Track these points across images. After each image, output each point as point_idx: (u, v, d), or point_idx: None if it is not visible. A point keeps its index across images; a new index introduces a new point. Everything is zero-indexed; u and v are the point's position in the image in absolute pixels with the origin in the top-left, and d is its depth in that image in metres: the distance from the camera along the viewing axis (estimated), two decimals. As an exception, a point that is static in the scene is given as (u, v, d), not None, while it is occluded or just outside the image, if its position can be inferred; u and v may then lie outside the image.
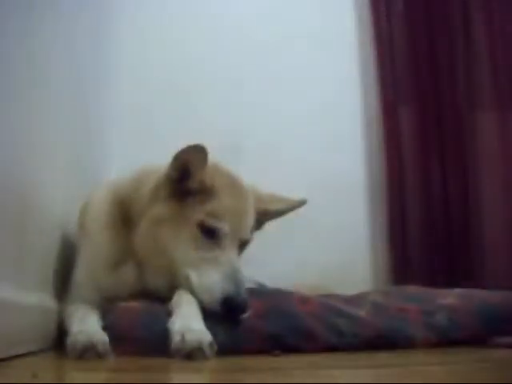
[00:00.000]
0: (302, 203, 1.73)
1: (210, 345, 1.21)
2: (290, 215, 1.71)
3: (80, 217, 1.64)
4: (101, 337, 1.23)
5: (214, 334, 1.28)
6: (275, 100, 2.88)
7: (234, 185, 1.53)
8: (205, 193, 1.46)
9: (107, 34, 2.57)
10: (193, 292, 1.39)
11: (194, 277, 1.40)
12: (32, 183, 1.40)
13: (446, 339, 1.52)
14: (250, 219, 1.56)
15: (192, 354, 1.18)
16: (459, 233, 2.83)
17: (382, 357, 1.32)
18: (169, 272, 1.46)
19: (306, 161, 2.79)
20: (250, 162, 2.56)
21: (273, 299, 1.47)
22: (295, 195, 1.73)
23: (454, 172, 2.89)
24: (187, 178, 1.45)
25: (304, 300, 1.50)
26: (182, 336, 1.22)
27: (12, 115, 1.24)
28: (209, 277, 1.38)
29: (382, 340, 1.46)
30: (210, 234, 1.43)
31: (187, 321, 1.29)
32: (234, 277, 1.38)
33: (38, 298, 1.39)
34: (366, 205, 2.95)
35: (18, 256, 1.29)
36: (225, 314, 1.34)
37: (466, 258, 2.80)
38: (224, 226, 1.44)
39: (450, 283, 2.31)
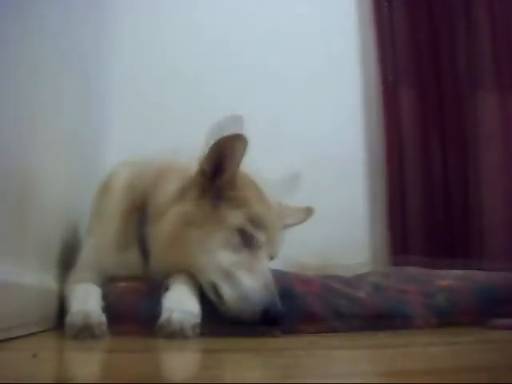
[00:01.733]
0: (310, 213, 1.74)
1: (193, 327, 1.24)
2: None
3: (97, 198, 1.64)
4: (98, 317, 1.23)
5: (212, 316, 1.30)
6: (276, 79, 2.86)
7: (264, 196, 1.51)
8: (238, 198, 1.42)
9: (109, 11, 2.55)
10: (221, 301, 1.33)
11: (226, 286, 1.33)
12: (33, 165, 1.39)
13: (446, 320, 1.52)
14: (281, 233, 1.55)
15: (174, 334, 1.20)
16: (459, 212, 2.83)
17: (382, 338, 1.32)
18: (183, 269, 1.42)
19: (306, 139, 2.77)
20: (250, 141, 2.56)
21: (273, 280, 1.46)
22: (295, 173, 1.74)
23: (454, 151, 2.89)
24: (220, 173, 1.42)
25: (304, 281, 1.50)
26: (170, 315, 1.24)
27: (11, 97, 1.23)
28: (244, 285, 1.32)
29: (381, 321, 1.46)
30: (248, 241, 1.39)
31: (179, 299, 1.31)
32: (271, 287, 1.33)
33: (39, 279, 1.39)
34: (365, 183, 2.94)
35: (19, 237, 1.29)
36: (261, 324, 1.29)
37: (465, 237, 2.80)
38: (263, 236, 1.41)
39: (449, 263, 2.31)
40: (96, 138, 2.34)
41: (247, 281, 1.33)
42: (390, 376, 0.78)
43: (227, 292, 1.33)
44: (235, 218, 1.40)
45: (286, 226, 1.64)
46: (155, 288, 1.40)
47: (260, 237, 1.41)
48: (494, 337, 1.34)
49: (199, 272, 1.40)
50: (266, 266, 1.41)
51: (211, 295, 1.36)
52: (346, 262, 1.83)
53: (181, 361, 0.97)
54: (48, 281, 1.46)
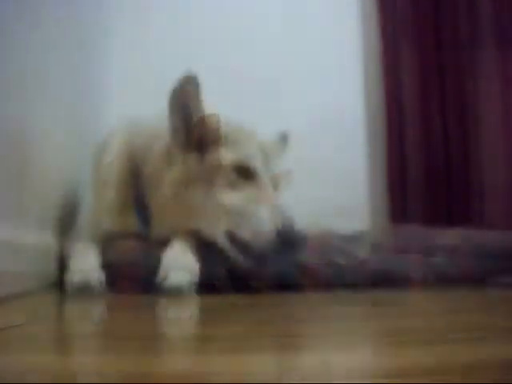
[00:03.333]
0: (285, 138, 1.75)
1: (190, 284, 1.27)
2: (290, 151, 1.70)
3: (95, 160, 1.64)
4: (97, 275, 1.24)
5: (213, 273, 1.31)
6: (274, 36, 2.83)
7: (245, 131, 1.50)
8: (221, 141, 1.42)
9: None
10: (241, 240, 1.33)
11: (239, 224, 1.34)
12: (32, 128, 1.39)
13: (445, 279, 1.52)
14: (275, 160, 1.54)
15: (171, 292, 1.23)
16: (459, 176, 2.82)
17: (381, 295, 1.33)
18: (193, 229, 1.42)
19: (305, 101, 2.76)
20: (249, 99, 2.54)
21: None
22: (283, 134, 1.74)
23: (454, 110, 2.87)
24: (190, 123, 1.42)
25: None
26: (167, 272, 1.27)
27: (9, 61, 1.22)
28: (257, 216, 1.32)
29: (380, 279, 1.47)
30: (247, 174, 1.39)
31: (177, 257, 1.32)
32: (282, 210, 1.33)
33: (38, 237, 1.39)
34: (365, 142, 2.93)
35: (19, 198, 1.29)
36: (280, 250, 1.29)
37: (465, 199, 2.79)
38: (259, 163, 1.42)
39: (449, 224, 2.31)
40: (96, 100, 2.34)
41: (259, 212, 1.33)
42: (386, 333, 0.79)
43: (242, 228, 1.33)
44: (226, 157, 1.40)
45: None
46: (154, 246, 1.40)
47: (257, 165, 1.41)
48: (493, 296, 1.34)
49: (208, 226, 1.40)
50: (273, 193, 1.41)
51: (227, 246, 1.36)
52: (344, 229, 1.83)
53: (178, 317, 0.98)
54: (48, 240, 1.47)
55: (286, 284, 1.40)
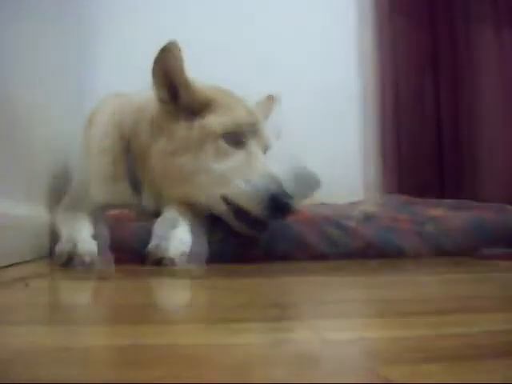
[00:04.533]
0: (273, 100, 1.75)
1: (182, 254, 1.26)
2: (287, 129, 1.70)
3: (84, 132, 1.62)
4: (88, 245, 1.23)
5: (204, 243, 1.32)
6: (271, 13, 2.80)
7: (233, 96, 1.49)
8: (208, 106, 1.41)
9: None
10: (230, 210, 1.35)
11: (232, 190, 1.34)
12: (20, 100, 1.38)
13: (436, 250, 1.53)
14: (264, 123, 1.54)
15: (162, 261, 1.23)
16: (451, 151, 2.82)
17: (372, 266, 1.34)
18: (186, 198, 1.42)
19: (299, 74, 2.74)
20: (245, 73, 2.52)
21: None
22: (270, 95, 1.75)
23: (448, 84, 2.85)
24: (176, 91, 1.41)
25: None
26: (158, 242, 1.26)
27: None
28: (247, 183, 1.32)
29: (372, 250, 1.47)
30: (236, 141, 1.39)
31: (169, 227, 1.31)
32: (273, 177, 1.33)
33: (29, 209, 1.39)
34: (358, 115, 2.92)
35: (9, 170, 1.28)
36: (274, 214, 1.30)
37: (457, 170, 2.80)
38: (248, 129, 1.41)
39: (441, 196, 2.32)
40: (85, 72, 2.32)
41: (250, 178, 1.33)
42: (378, 302, 0.79)
43: (234, 195, 1.33)
44: (214, 125, 1.39)
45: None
46: (146, 216, 1.40)
47: (246, 131, 1.40)
48: (484, 267, 1.35)
49: (201, 193, 1.40)
50: (263, 158, 1.42)
51: (222, 209, 1.37)
52: (337, 192, 1.84)
53: (168, 287, 0.98)
54: (39, 211, 1.47)
55: (280, 255, 1.40)
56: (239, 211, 1.34)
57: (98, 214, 1.45)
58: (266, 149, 1.49)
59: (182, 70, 1.38)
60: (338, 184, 2.57)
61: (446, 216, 1.63)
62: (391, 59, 2.86)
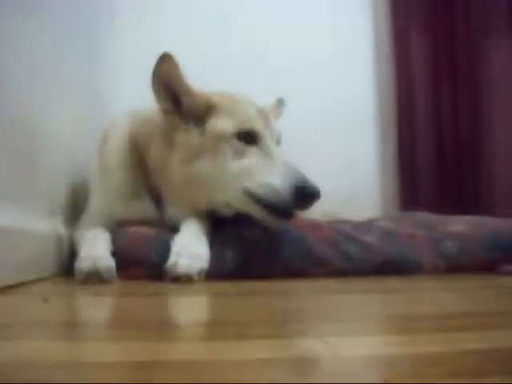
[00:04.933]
0: (282, 103, 1.77)
1: (200, 271, 1.27)
2: (301, 140, 1.69)
3: (99, 147, 1.63)
4: (106, 262, 1.24)
5: (223, 259, 1.32)
6: (285, 22, 2.81)
7: (238, 97, 1.50)
8: (215, 110, 1.42)
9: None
10: (256, 203, 1.35)
11: (254, 185, 1.35)
12: (40, 114, 1.40)
13: (454, 266, 1.52)
14: (272, 117, 1.55)
15: (180, 278, 1.23)
16: (469, 158, 2.80)
17: (390, 282, 1.33)
18: (210, 203, 1.44)
19: (316, 87, 2.74)
20: (260, 86, 2.53)
21: (285, 225, 1.45)
22: (279, 99, 1.77)
23: (466, 98, 2.83)
24: (180, 100, 1.42)
25: (315, 226, 1.49)
26: (177, 259, 1.26)
27: (15, 46, 1.23)
28: (269, 176, 1.33)
29: (390, 266, 1.47)
30: (250, 139, 1.39)
31: (187, 243, 1.32)
32: (293, 167, 1.34)
33: (48, 225, 1.40)
34: (376, 130, 2.92)
35: (27, 183, 1.29)
36: (299, 203, 1.31)
37: (475, 184, 2.77)
38: (260, 126, 1.42)
39: (460, 210, 2.30)
40: (104, 86, 2.33)
41: (268, 173, 1.34)
42: (396, 319, 0.78)
43: (258, 189, 1.34)
44: (225, 126, 1.40)
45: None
46: (165, 232, 1.41)
47: (258, 128, 1.41)
48: (504, 283, 1.34)
49: (224, 194, 1.40)
50: (279, 150, 1.42)
51: (247, 205, 1.38)
52: (356, 208, 1.83)
53: (187, 304, 0.98)
54: (58, 227, 1.47)
55: (297, 271, 1.40)
56: (263, 205, 1.35)
57: (117, 229, 1.46)
58: (278, 142, 1.49)
59: (180, 77, 1.40)
60: (355, 197, 2.57)
61: (465, 232, 1.61)
62: (408, 73, 2.86)
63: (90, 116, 2.02)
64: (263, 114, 1.47)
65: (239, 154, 1.38)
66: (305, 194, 1.30)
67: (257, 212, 1.37)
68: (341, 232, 1.52)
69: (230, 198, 1.41)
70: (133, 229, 1.43)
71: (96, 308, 0.93)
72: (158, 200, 1.50)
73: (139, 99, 1.51)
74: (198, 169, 1.40)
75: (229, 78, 1.58)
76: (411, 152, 2.83)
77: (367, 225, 1.68)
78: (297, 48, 2.77)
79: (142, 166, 1.51)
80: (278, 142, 1.50)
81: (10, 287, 1.08)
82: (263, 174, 1.35)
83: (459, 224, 1.68)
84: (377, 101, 2.93)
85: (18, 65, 1.23)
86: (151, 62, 1.38)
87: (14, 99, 1.21)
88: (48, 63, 1.46)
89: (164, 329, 0.70)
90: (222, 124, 1.40)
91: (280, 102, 1.77)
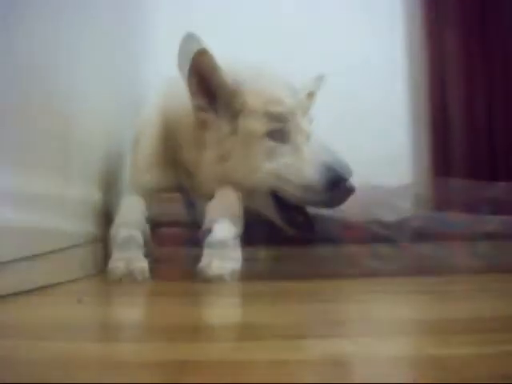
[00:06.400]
0: (322, 80, 1.74)
1: (233, 272, 1.25)
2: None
3: (132, 151, 1.64)
4: (140, 264, 1.25)
5: (256, 259, 1.33)
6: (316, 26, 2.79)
7: (266, 73, 1.48)
8: (248, 104, 1.39)
9: None
10: (284, 211, 1.36)
11: (287, 186, 1.34)
12: (77, 87, 1.39)
13: (490, 267, 1.49)
14: (304, 106, 1.52)
15: (213, 279, 1.22)
16: (503, 128, 2.75)
17: (423, 283, 1.31)
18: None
19: (348, 49, 2.71)
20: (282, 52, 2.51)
21: (319, 225, 1.44)
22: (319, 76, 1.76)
23: (499, 68, 2.78)
24: (214, 96, 1.40)
25: (348, 226, 1.49)
26: (210, 260, 1.25)
27: (52, 21, 1.23)
28: (301, 165, 1.33)
29: (423, 266, 1.45)
30: (281, 137, 1.38)
31: (220, 244, 1.30)
32: (323, 149, 1.34)
33: (84, 192, 1.42)
34: (408, 94, 2.86)
35: (63, 152, 1.31)
36: (332, 184, 1.29)
37: (508, 151, 2.71)
38: (292, 117, 1.40)
39: (492, 179, 2.23)
40: (139, 59, 2.31)
41: (299, 164, 1.33)
42: (430, 320, 0.78)
43: (290, 179, 1.33)
44: (257, 124, 1.38)
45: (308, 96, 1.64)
46: (197, 234, 1.41)
47: (291, 121, 1.39)
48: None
49: (251, 196, 1.39)
50: (311, 144, 1.39)
51: (270, 210, 1.39)
52: (387, 183, 1.80)
53: (219, 305, 0.99)
54: (94, 195, 1.51)
55: (330, 273, 1.39)
56: (290, 210, 1.36)
57: (150, 197, 1.46)
58: (311, 120, 1.49)
59: (218, 71, 1.37)
60: (387, 163, 2.53)
61: (500, 232, 1.59)
62: (439, 39, 2.80)
63: (126, 85, 1.99)
64: (295, 92, 1.45)
65: (271, 154, 1.37)
66: (337, 175, 1.29)
67: (277, 219, 1.38)
68: (374, 233, 1.51)
69: (257, 201, 1.40)
70: (164, 230, 1.43)
71: (129, 308, 0.94)
72: (189, 201, 1.51)
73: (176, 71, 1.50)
74: (228, 168, 1.40)
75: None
76: (444, 117, 2.78)
77: (400, 224, 1.67)
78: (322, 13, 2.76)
79: (173, 167, 1.52)
80: (310, 122, 1.48)
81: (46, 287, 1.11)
82: (294, 175, 1.33)
83: (493, 223, 1.65)
84: (409, 66, 2.87)
85: (54, 38, 1.23)
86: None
87: (50, 71, 1.22)
88: (86, 36, 1.45)
89: (196, 329, 0.70)
90: (253, 123, 1.38)
91: (319, 79, 1.75)
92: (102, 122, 1.62)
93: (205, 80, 1.38)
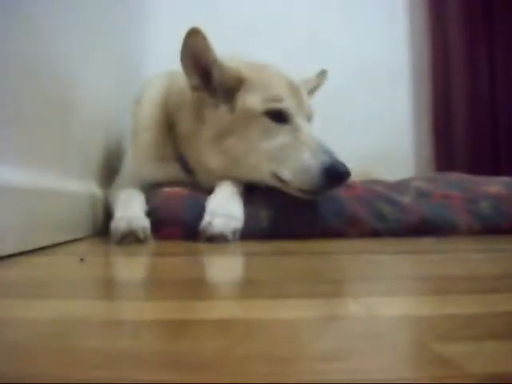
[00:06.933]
0: (325, 75, 1.74)
1: (234, 231, 1.27)
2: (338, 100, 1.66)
3: (133, 112, 1.64)
4: (141, 222, 1.25)
5: (258, 218, 1.33)
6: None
7: (269, 69, 1.47)
8: (245, 85, 1.40)
9: None
10: (288, 182, 1.35)
11: (284, 166, 1.34)
12: (75, 76, 1.40)
13: (490, 227, 1.50)
14: (304, 92, 1.51)
15: (215, 238, 1.23)
16: (504, 118, 2.75)
17: (424, 243, 1.32)
18: (238, 179, 1.44)
19: (349, 46, 2.71)
20: (286, 47, 2.51)
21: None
22: (322, 70, 1.73)
23: (502, 58, 2.77)
24: (209, 76, 1.40)
25: (349, 185, 1.49)
26: (211, 219, 1.27)
27: (54, 10, 1.23)
28: (300, 156, 1.32)
29: (424, 226, 1.46)
30: (280, 116, 1.38)
31: (222, 204, 1.32)
32: (323, 147, 1.32)
33: (83, 186, 1.41)
34: (410, 90, 2.88)
35: (61, 145, 1.31)
36: (330, 183, 1.30)
37: (510, 145, 2.72)
38: (290, 103, 1.40)
39: (493, 171, 2.26)
40: (137, 50, 2.33)
41: (298, 153, 1.33)
42: (430, 280, 0.78)
43: (288, 170, 1.34)
44: (255, 104, 1.38)
45: (309, 91, 1.64)
46: (198, 193, 1.41)
47: (288, 105, 1.39)
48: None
49: (253, 173, 1.41)
50: (309, 129, 1.40)
51: (276, 184, 1.39)
52: (390, 167, 1.82)
53: (222, 264, 0.99)
54: (92, 187, 1.49)
55: (331, 232, 1.40)
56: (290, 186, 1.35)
57: (151, 189, 1.47)
58: (309, 118, 1.48)
59: (210, 50, 1.37)
60: (390, 157, 2.55)
61: (500, 193, 1.59)
62: (443, 33, 2.79)
63: (124, 78, 2.02)
64: (295, 90, 1.44)
65: (269, 134, 1.38)
66: (335, 176, 1.29)
67: (286, 190, 1.37)
68: (375, 191, 1.51)
69: (259, 177, 1.41)
70: (167, 189, 1.44)
71: (131, 267, 0.94)
72: (187, 167, 1.51)
73: (176, 59, 1.50)
74: (226, 146, 1.40)
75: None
76: (445, 110, 2.78)
77: (402, 185, 1.67)
78: (328, 18, 2.75)
79: (171, 133, 1.52)
80: (310, 118, 1.48)
81: (47, 247, 1.11)
82: (292, 157, 1.33)
83: (495, 185, 1.65)
84: (412, 61, 2.88)
85: (52, 28, 1.23)
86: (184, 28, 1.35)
87: (49, 62, 1.22)
88: (83, 24, 1.46)
89: (199, 288, 0.70)
90: (251, 102, 1.38)
91: (322, 74, 1.75)
92: (101, 117, 1.67)
93: (199, 60, 1.38)
